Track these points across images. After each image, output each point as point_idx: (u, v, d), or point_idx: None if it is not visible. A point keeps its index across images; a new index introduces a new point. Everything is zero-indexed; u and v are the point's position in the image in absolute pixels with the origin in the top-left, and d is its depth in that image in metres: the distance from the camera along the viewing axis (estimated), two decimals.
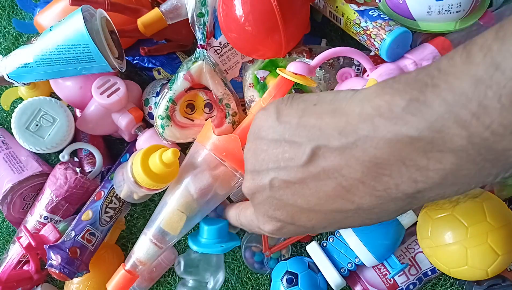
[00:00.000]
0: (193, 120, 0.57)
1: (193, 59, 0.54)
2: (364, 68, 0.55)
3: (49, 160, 0.65)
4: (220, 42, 0.59)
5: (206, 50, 0.54)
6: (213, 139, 0.50)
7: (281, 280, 0.57)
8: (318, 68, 0.56)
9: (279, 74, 0.49)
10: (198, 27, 0.53)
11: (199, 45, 0.54)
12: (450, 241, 0.50)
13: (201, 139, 0.53)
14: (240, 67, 0.61)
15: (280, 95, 0.50)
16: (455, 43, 0.53)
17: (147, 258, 0.53)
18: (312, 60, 0.56)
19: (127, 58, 0.60)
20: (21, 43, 0.68)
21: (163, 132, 0.56)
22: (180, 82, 0.54)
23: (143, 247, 0.53)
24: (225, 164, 0.50)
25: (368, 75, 0.54)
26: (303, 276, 0.56)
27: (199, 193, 0.50)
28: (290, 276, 0.56)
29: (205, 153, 0.51)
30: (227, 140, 0.49)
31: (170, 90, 0.55)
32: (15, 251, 0.59)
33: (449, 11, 0.51)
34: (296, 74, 0.47)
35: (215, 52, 0.59)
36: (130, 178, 0.52)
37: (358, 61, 0.57)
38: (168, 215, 0.52)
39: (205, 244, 0.54)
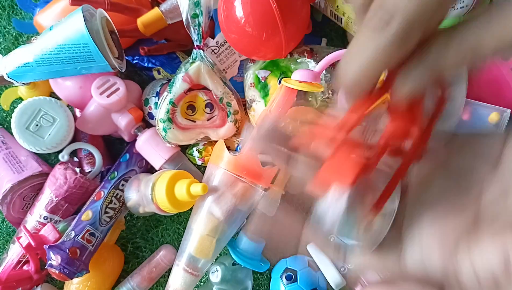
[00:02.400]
0: (194, 121, 0.57)
1: (190, 61, 0.54)
2: None
3: (48, 160, 0.65)
4: (217, 42, 0.59)
5: (203, 50, 0.54)
6: (228, 158, 0.51)
7: (281, 277, 0.57)
8: None
9: (283, 85, 0.50)
10: (193, 28, 0.53)
11: (195, 46, 0.54)
12: None
13: (214, 160, 0.54)
14: (238, 66, 0.61)
15: (288, 105, 0.51)
16: None
17: (185, 288, 0.54)
18: (313, 59, 0.56)
19: (127, 58, 0.60)
20: (21, 43, 0.67)
21: (165, 135, 0.56)
22: (179, 84, 0.54)
23: (179, 278, 0.54)
24: (244, 180, 0.51)
25: None
26: (302, 273, 0.56)
27: (226, 215, 0.52)
28: (289, 273, 0.57)
29: (221, 173, 0.52)
30: (246, 158, 0.50)
31: (170, 93, 0.55)
32: (15, 251, 0.59)
33: (452, 7, 0.51)
34: (301, 81, 0.48)
35: (213, 52, 0.60)
36: (148, 196, 0.53)
37: None
38: (197, 242, 0.53)
39: (249, 259, 0.56)
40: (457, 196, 0.20)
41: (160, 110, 0.55)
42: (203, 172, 0.60)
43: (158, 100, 0.59)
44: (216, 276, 0.56)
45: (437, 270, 0.19)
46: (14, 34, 0.67)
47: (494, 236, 0.18)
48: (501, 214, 0.19)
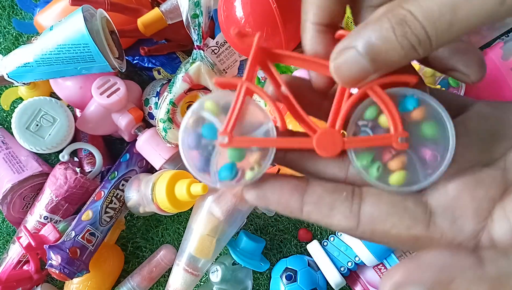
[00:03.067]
0: None
1: (190, 61, 0.54)
2: None
3: (49, 160, 0.65)
4: (217, 42, 0.59)
5: (203, 50, 0.54)
6: None
7: (281, 277, 0.57)
8: None
9: None
10: (193, 28, 0.53)
11: (195, 46, 0.54)
12: None
13: None
14: (238, 66, 0.61)
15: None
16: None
17: (185, 288, 0.54)
18: None
19: (127, 58, 0.60)
20: (21, 43, 0.67)
21: (166, 135, 0.56)
22: (179, 84, 0.54)
23: (179, 278, 0.54)
24: None
25: None
26: (302, 273, 0.56)
27: (226, 214, 0.52)
28: (289, 273, 0.57)
29: None
30: None
31: (170, 93, 0.55)
32: (15, 251, 0.59)
33: None
34: None
35: (213, 52, 0.60)
36: (148, 196, 0.53)
37: None
38: (197, 242, 0.53)
39: (249, 258, 0.56)
40: (481, 151, 0.20)
41: (160, 110, 0.55)
42: None
43: (158, 100, 0.59)
44: (216, 276, 0.56)
45: (470, 233, 0.19)
46: (14, 34, 0.67)
47: None
48: None
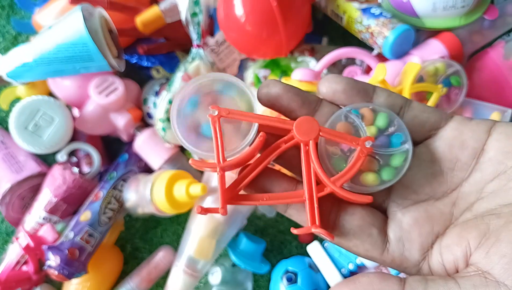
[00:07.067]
0: None
1: (189, 60, 0.54)
2: (368, 66, 0.55)
3: (47, 160, 0.65)
4: (216, 41, 0.59)
5: (202, 49, 0.54)
6: None
7: (281, 279, 0.57)
8: None
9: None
10: (192, 27, 0.52)
11: (195, 45, 0.53)
12: None
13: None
14: (238, 65, 0.61)
15: None
16: (460, 38, 0.53)
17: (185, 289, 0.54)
18: (314, 57, 0.56)
19: (125, 57, 0.59)
20: (21, 42, 0.67)
21: (164, 135, 0.55)
22: (178, 83, 0.54)
23: (178, 279, 0.54)
24: None
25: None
26: (303, 274, 0.56)
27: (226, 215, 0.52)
28: (290, 274, 0.56)
29: None
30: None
31: (169, 92, 0.54)
32: (14, 252, 0.58)
33: (454, 7, 0.51)
34: (301, 80, 0.48)
35: (212, 51, 0.59)
36: (147, 197, 0.53)
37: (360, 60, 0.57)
38: (197, 243, 0.53)
39: (248, 260, 0.56)
40: (439, 183, 0.23)
41: (159, 110, 0.55)
42: (202, 173, 0.59)
43: (157, 99, 0.59)
44: (215, 277, 0.56)
45: (414, 262, 0.23)
46: (13, 33, 0.67)
47: (460, 235, 0.22)
48: (471, 211, 0.22)
